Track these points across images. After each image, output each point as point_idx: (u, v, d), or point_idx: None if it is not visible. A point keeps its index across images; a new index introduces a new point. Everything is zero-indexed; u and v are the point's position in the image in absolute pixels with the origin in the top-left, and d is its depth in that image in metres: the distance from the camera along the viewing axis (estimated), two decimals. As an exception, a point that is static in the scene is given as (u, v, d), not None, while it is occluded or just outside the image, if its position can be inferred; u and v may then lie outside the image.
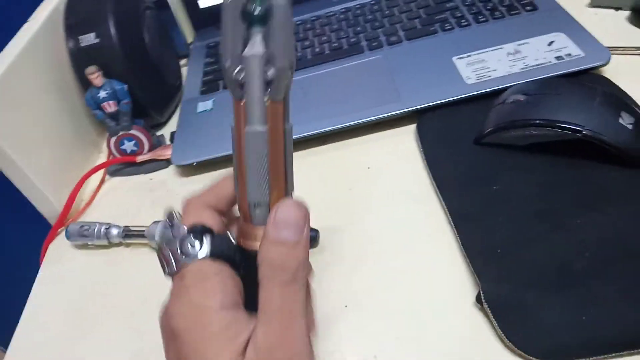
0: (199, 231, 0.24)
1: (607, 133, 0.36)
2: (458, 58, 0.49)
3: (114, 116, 0.50)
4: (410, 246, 0.37)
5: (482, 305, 0.32)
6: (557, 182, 0.37)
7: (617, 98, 0.38)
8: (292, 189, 0.24)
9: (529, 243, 0.34)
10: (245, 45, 0.21)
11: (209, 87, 0.57)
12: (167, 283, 0.43)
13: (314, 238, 0.38)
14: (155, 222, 0.42)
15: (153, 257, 0.42)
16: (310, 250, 0.25)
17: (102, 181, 0.52)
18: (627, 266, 0.31)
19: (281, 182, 0.23)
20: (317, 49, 0.57)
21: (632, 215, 0.34)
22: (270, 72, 0.21)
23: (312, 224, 0.25)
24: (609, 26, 0.50)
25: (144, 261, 0.42)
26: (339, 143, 0.48)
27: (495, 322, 0.31)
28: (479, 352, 0.31)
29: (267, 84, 0.21)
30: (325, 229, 0.38)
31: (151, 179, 0.51)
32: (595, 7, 0.53)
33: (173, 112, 0.59)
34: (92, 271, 0.43)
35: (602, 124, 0.36)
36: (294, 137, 0.24)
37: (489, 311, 0.31)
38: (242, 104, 0.21)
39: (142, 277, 0.41)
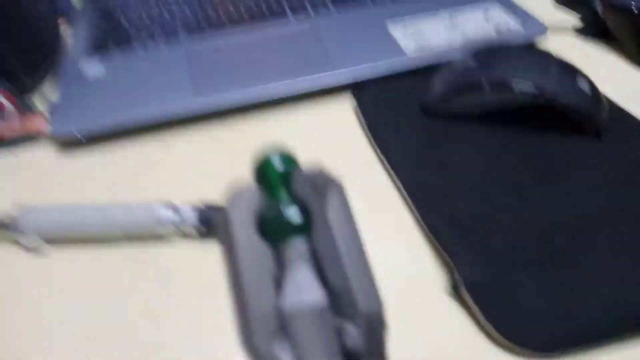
0: None
1: (569, 97, 0.33)
2: (393, 25, 0.45)
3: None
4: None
5: (457, 292, 0.27)
6: (514, 152, 0.34)
7: (569, 63, 0.36)
8: None
9: (498, 214, 0.30)
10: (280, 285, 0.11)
11: (98, 48, 0.46)
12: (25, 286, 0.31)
13: (208, 220, 0.30)
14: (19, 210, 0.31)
15: (14, 251, 0.31)
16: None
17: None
18: (613, 237, 0.28)
19: None
20: (232, 10, 0.49)
21: (599, 185, 0.31)
22: (352, 335, 0.11)
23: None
24: (534, 6, 0.49)
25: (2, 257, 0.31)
26: (262, 115, 0.40)
27: (478, 310, 0.25)
28: (458, 347, 0.25)
29: (347, 355, 0.11)
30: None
31: (16, 157, 0.39)
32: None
33: (48, 78, 0.47)
34: None
35: (562, 87, 0.33)
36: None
37: (470, 298, 0.26)
38: None
39: None
